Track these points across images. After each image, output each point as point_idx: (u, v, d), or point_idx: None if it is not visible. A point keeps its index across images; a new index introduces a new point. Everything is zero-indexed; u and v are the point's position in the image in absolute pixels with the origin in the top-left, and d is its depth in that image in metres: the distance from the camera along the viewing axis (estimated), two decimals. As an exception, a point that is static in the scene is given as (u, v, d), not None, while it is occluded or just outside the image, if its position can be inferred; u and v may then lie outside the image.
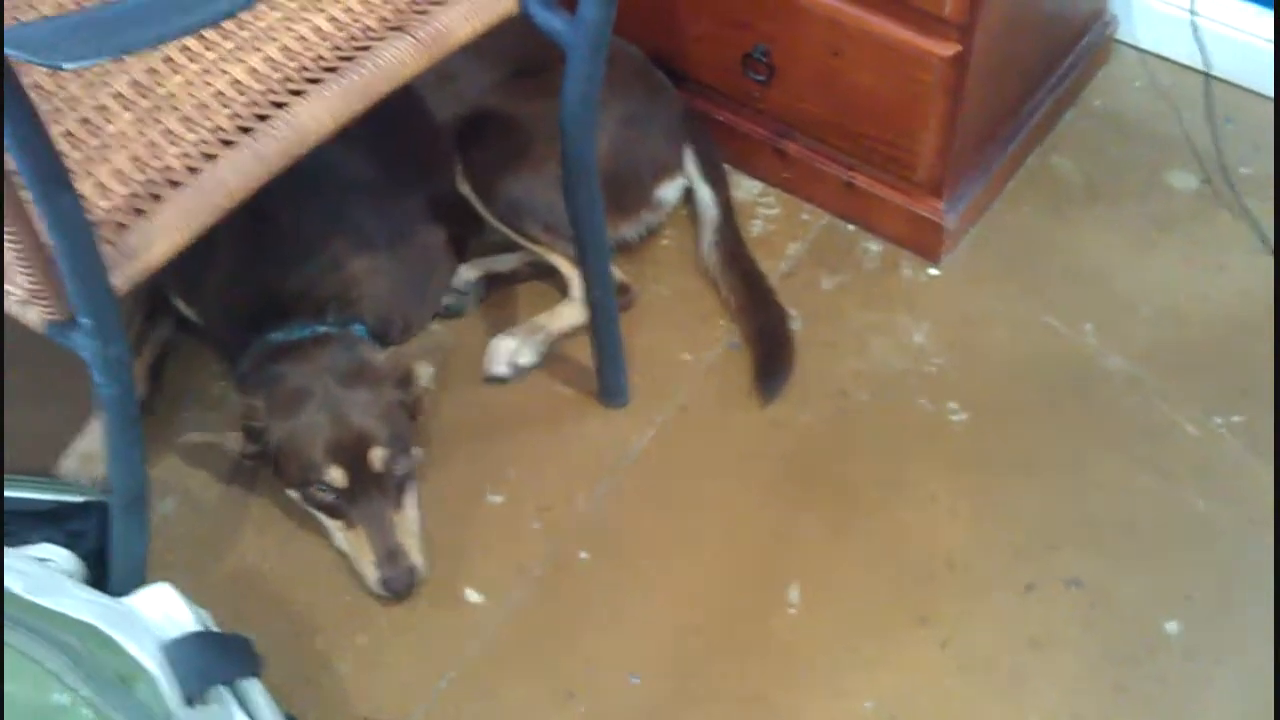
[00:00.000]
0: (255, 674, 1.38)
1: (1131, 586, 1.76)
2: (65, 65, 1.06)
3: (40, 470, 1.78)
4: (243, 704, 1.34)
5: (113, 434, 1.43)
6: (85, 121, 1.42)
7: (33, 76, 1.44)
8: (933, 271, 2.08)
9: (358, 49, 1.48)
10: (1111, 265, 2.08)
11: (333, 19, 1.52)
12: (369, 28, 1.51)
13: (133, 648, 1.24)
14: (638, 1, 2.04)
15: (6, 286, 1.34)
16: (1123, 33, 2.34)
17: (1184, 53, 2.29)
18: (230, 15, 1.15)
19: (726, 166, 2.13)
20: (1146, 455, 1.88)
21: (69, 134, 1.41)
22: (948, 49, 1.88)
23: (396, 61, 1.47)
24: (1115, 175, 2.20)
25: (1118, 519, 1.82)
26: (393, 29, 1.50)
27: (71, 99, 1.44)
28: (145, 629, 1.30)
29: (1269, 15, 2.18)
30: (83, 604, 1.28)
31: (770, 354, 1.97)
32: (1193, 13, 2.20)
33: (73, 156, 1.39)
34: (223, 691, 1.33)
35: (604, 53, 1.56)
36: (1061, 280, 2.07)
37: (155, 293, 1.91)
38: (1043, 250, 2.11)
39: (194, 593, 1.42)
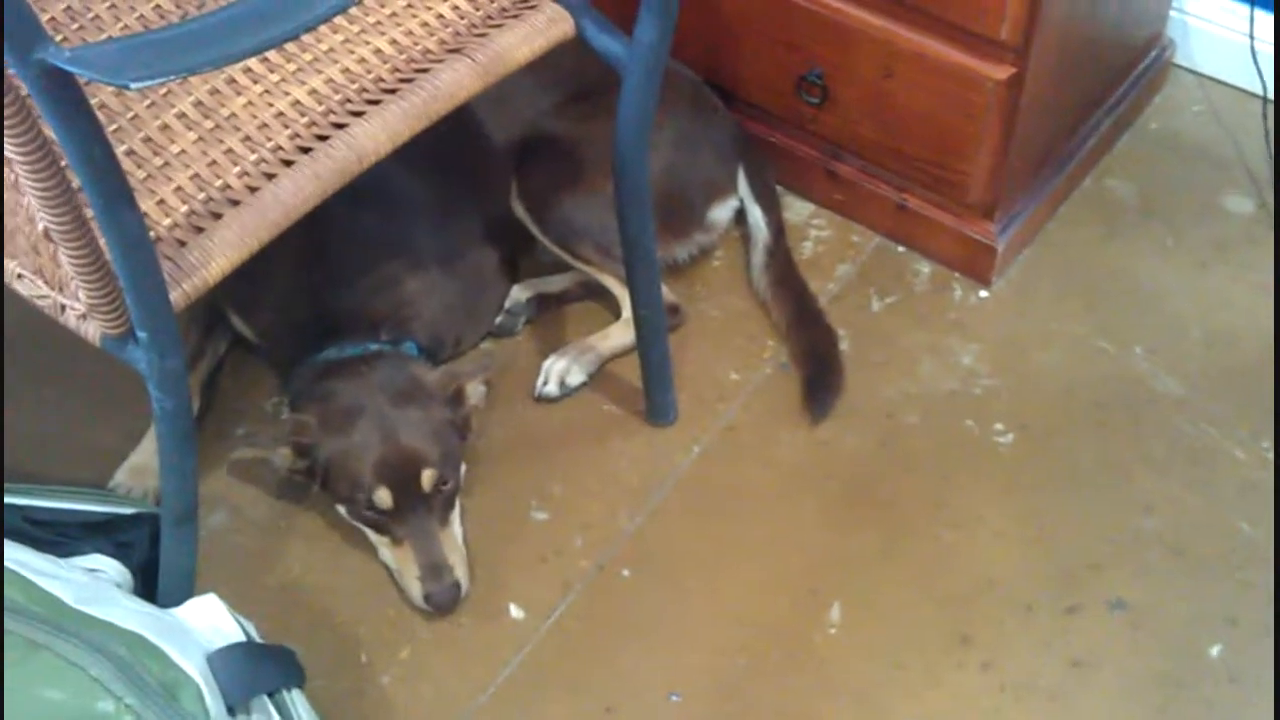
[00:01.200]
0: (298, 685, 1.41)
1: (1176, 609, 1.76)
2: (132, 85, 1.08)
3: (95, 482, 1.81)
4: (285, 715, 1.36)
5: (167, 448, 1.45)
6: (149, 141, 1.45)
7: (99, 97, 1.48)
8: (983, 294, 2.08)
9: (417, 71, 1.51)
10: (1164, 288, 2.08)
11: (393, 41, 1.54)
12: (428, 50, 1.53)
13: (178, 657, 1.27)
14: (692, 24, 2.05)
15: (66, 300, 1.38)
16: (1180, 57, 2.34)
17: (1242, 77, 2.28)
18: (291, 38, 1.17)
19: (778, 188, 2.14)
20: (1194, 478, 1.88)
21: (133, 153, 1.44)
22: (1003, 71, 1.88)
23: (454, 84, 1.50)
24: (1170, 198, 2.20)
25: (1163, 542, 1.82)
26: (451, 51, 1.52)
27: (136, 119, 1.47)
28: (191, 639, 1.33)
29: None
30: (130, 614, 1.31)
31: (819, 374, 1.98)
32: (1251, 37, 2.19)
33: (136, 175, 1.42)
34: (266, 702, 1.35)
35: (660, 76, 1.58)
36: (1113, 303, 2.07)
37: (212, 308, 1.94)
38: (1095, 273, 2.11)
39: (240, 605, 1.45)
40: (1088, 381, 1.99)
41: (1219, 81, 2.33)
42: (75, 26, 1.55)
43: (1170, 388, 1.97)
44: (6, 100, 1.11)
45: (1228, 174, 2.22)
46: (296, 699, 1.40)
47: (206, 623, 1.39)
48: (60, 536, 1.55)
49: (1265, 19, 2.20)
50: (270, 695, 1.37)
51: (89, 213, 1.24)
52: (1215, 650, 1.72)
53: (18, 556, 1.36)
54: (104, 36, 1.54)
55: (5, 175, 1.27)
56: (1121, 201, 2.19)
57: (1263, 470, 1.88)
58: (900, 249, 2.13)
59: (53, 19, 1.54)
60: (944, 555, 1.81)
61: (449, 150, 1.91)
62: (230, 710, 1.31)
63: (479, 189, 1.99)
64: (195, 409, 1.89)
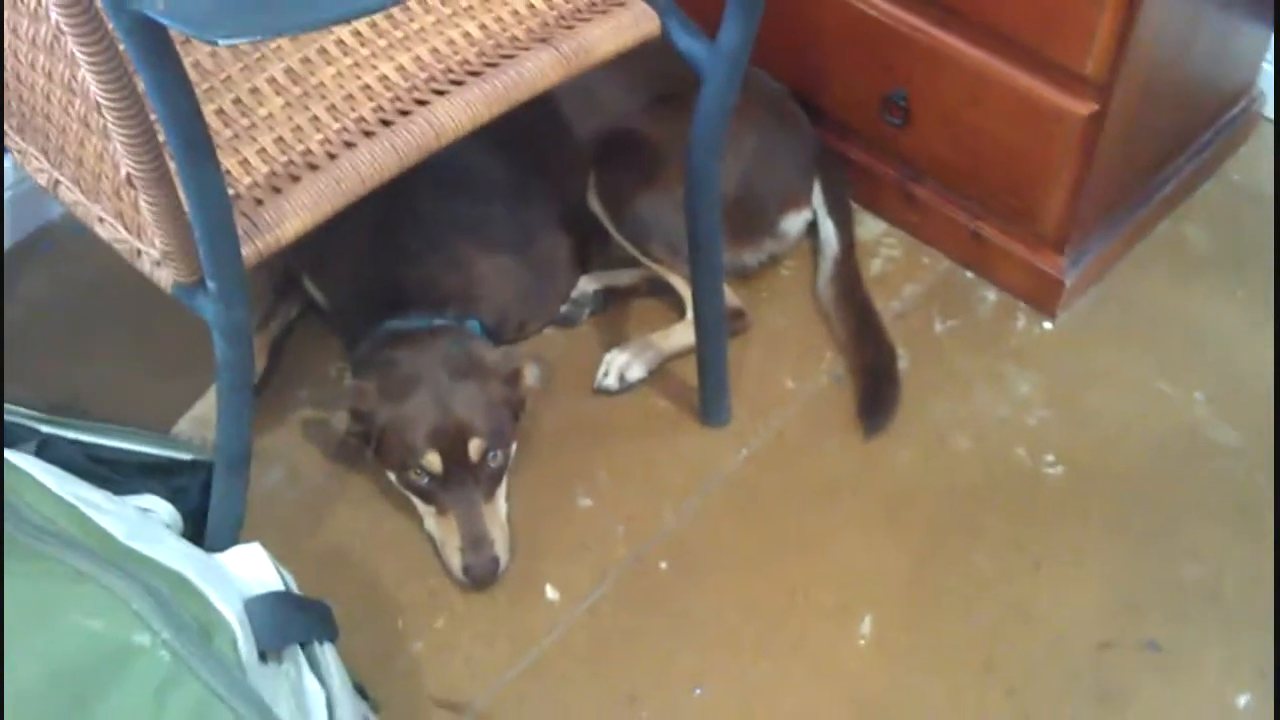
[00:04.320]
0: (331, 639, 1.43)
1: (1209, 656, 1.76)
2: (220, 41, 1.12)
3: (158, 429, 1.87)
4: (315, 667, 1.39)
5: (225, 396, 1.50)
6: (238, 101, 1.50)
7: (194, 55, 1.53)
8: (1047, 325, 2.09)
9: (503, 56, 1.54)
10: (1230, 338, 2.08)
11: (483, 26, 1.58)
12: (515, 37, 1.57)
13: (217, 600, 1.30)
14: (781, 36, 2.07)
15: (143, 246, 1.42)
16: (1268, 109, 2.33)
17: (1329, 134, 2.27)
18: (379, 10, 1.19)
19: (854, 204, 2.16)
20: (1242, 529, 1.87)
21: (222, 111, 1.49)
22: (1085, 107, 1.89)
23: (537, 72, 1.53)
24: (1244, 250, 2.19)
25: (1203, 588, 1.82)
26: (538, 40, 1.56)
27: (229, 80, 1.52)
28: (231, 584, 1.36)
29: None
30: (176, 554, 1.34)
31: (876, 390, 1.99)
32: (1342, 95, 2.19)
33: (223, 133, 1.46)
34: (297, 652, 1.38)
35: (739, 81, 1.60)
36: (1177, 347, 2.07)
37: (287, 271, 1.99)
38: (1162, 316, 2.11)
39: (285, 559, 1.48)
40: (1143, 422, 1.99)
41: (1306, 137, 2.32)
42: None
43: (1227, 437, 1.96)
44: (100, 49, 1.15)
45: (1305, 231, 2.21)
46: (328, 653, 1.43)
47: (249, 570, 1.42)
48: (117, 474, 1.59)
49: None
50: (303, 646, 1.40)
51: (172, 164, 1.28)
52: (1243, 700, 1.72)
53: (74, 490, 1.40)
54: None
55: (94, 121, 1.31)
56: (1195, 248, 2.19)
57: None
58: (968, 274, 2.15)
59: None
60: (980, 580, 1.82)
61: (532, 138, 1.94)
62: (262, 656, 1.34)
63: (558, 178, 2.02)
64: (262, 368, 1.95)
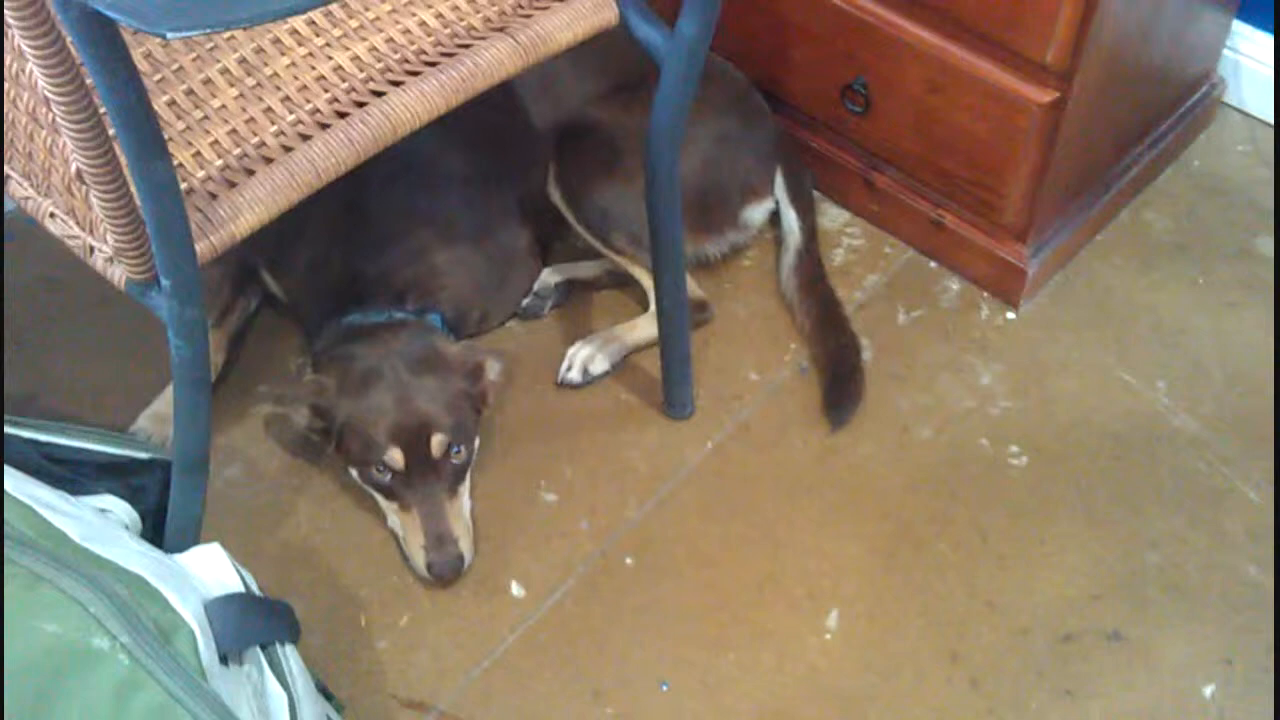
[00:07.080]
0: (293, 640, 1.42)
1: (1173, 646, 1.76)
2: (168, 35, 1.10)
3: (118, 427, 1.85)
4: (277, 668, 1.37)
5: (181, 395, 1.47)
6: (191, 93, 1.47)
7: (146, 46, 1.50)
8: (1010, 315, 2.09)
9: (459, 46, 1.52)
10: (1192, 326, 2.08)
11: (439, 15, 1.56)
12: (472, 27, 1.55)
13: (176, 602, 1.28)
14: (743, 24, 2.07)
15: (95, 243, 1.40)
16: (1229, 96, 2.33)
17: (1290, 120, 2.28)
18: (325, 3, 1.18)
19: (815, 194, 2.15)
20: (1204, 517, 1.87)
21: (174, 103, 1.46)
22: (1045, 95, 1.89)
23: (494, 62, 1.51)
24: (1206, 237, 2.20)
25: (1167, 577, 1.82)
26: (495, 30, 1.54)
27: (181, 70, 1.49)
28: (191, 585, 1.34)
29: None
30: (134, 555, 1.32)
31: (840, 382, 1.98)
32: (1301, 81, 2.19)
33: (175, 126, 1.44)
34: (258, 653, 1.37)
35: (698, 70, 1.59)
36: (1139, 336, 2.07)
37: (244, 264, 1.97)
38: (1124, 304, 2.11)
39: (245, 558, 1.47)
40: (1106, 412, 1.99)
41: (1266, 123, 2.32)
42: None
43: (1188, 425, 1.97)
44: (47, 42, 1.13)
45: (1265, 217, 2.21)
46: (290, 654, 1.41)
47: (208, 571, 1.40)
48: (75, 475, 1.57)
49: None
50: (264, 648, 1.39)
51: (123, 158, 1.26)
52: (1209, 690, 1.72)
53: (30, 490, 1.38)
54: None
55: (43, 115, 1.29)
56: (1156, 236, 2.19)
57: (1273, 513, 1.87)
58: (931, 264, 2.14)
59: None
60: (944, 571, 1.82)
61: (491, 129, 1.93)
62: (223, 658, 1.32)
63: (517, 170, 2.01)
64: (220, 363, 1.93)
